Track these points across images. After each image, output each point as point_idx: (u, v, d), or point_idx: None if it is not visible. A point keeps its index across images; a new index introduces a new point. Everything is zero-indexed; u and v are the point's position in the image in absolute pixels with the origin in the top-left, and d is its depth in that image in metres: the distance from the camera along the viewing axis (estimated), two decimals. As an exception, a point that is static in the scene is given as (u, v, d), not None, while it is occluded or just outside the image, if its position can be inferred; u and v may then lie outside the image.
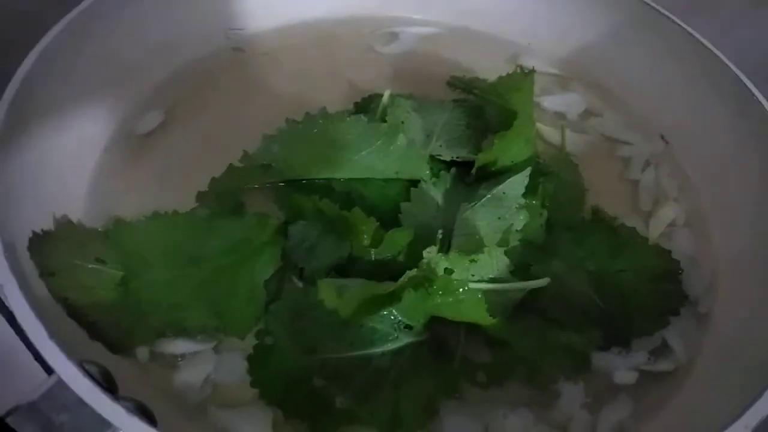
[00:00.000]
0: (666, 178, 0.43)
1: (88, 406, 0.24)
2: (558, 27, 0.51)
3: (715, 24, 0.51)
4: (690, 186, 0.43)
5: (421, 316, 0.30)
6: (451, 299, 0.29)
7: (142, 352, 0.31)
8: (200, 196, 0.37)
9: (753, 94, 0.40)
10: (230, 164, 0.38)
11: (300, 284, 0.33)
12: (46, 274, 0.30)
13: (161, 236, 0.34)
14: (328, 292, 0.27)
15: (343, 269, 0.32)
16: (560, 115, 0.47)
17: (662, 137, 0.45)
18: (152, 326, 0.31)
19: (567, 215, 0.38)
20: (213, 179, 0.37)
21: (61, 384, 0.24)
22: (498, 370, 0.32)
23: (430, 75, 0.48)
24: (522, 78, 0.40)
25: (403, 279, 0.28)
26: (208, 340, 0.32)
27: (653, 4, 0.46)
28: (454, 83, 0.47)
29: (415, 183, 0.37)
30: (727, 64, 0.42)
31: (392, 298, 0.29)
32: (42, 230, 0.32)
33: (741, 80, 0.41)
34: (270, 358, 0.30)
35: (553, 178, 0.39)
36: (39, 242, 0.31)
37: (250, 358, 0.30)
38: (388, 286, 0.28)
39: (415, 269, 0.28)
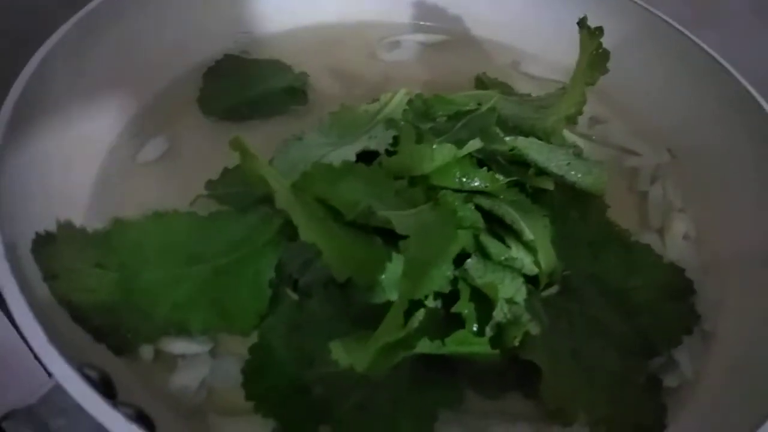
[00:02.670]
0: (673, 191, 0.43)
1: (86, 411, 0.23)
2: (564, 34, 0.50)
3: (724, 34, 0.51)
4: (697, 199, 0.42)
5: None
6: (464, 349, 0.29)
7: (147, 351, 0.31)
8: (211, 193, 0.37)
9: (761, 106, 0.39)
10: (224, 168, 0.38)
11: (295, 296, 0.32)
12: (49, 276, 0.30)
13: (161, 235, 0.33)
14: (339, 352, 0.27)
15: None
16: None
17: (668, 149, 0.45)
18: (155, 324, 0.31)
19: (585, 228, 0.37)
20: (209, 181, 0.37)
21: (59, 388, 0.24)
22: (504, 378, 0.31)
23: (434, 82, 0.48)
24: None
25: (413, 320, 0.27)
26: (206, 343, 0.32)
27: (661, 15, 0.45)
28: (483, 80, 0.47)
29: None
30: (734, 75, 0.41)
31: (406, 345, 0.28)
32: (45, 231, 0.32)
33: (749, 91, 0.40)
34: (265, 371, 0.29)
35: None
36: (42, 244, 0.31)
37: (244, 372, 0.29)
38: (399, 330, 0.27)
39: (422, 309, 0.28)
